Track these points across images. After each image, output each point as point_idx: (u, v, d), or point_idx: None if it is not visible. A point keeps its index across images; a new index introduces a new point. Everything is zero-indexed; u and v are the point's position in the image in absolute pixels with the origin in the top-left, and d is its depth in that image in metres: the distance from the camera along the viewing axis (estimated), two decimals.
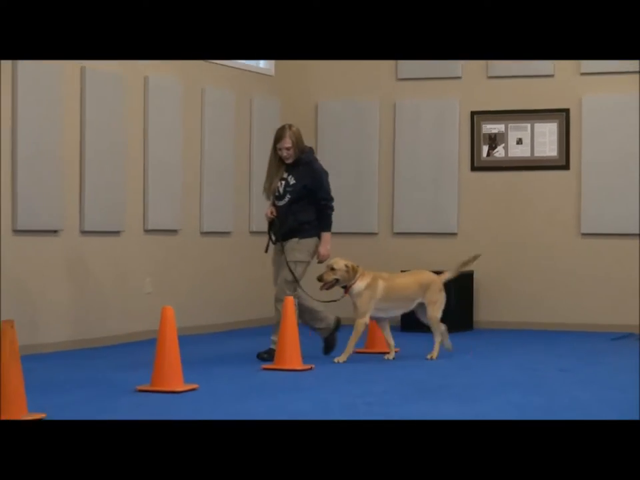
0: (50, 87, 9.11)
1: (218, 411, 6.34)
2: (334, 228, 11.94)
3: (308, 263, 8.57)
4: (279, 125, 11.87)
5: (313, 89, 12.08)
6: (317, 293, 8.65)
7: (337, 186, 11.91)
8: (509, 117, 11.52)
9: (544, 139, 11.46)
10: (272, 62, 11.99)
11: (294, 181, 8.53)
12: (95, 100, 9.51)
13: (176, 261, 10.54)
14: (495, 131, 11.59)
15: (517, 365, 8.70)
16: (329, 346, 8.71)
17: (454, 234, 11.68)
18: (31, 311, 8.88)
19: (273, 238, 8.59)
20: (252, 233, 11.56)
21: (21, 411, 5.83)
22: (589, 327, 11.16)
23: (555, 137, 11.41)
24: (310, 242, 8.56)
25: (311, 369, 8.04)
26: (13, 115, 8.79)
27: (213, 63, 11.08)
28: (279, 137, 8.51)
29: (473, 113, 11.61)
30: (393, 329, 9.84)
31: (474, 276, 11.48)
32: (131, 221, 9.97)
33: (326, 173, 8.75)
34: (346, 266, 8.39)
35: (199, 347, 9.55)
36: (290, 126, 8.58)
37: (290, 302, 8.03)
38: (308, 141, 12.00)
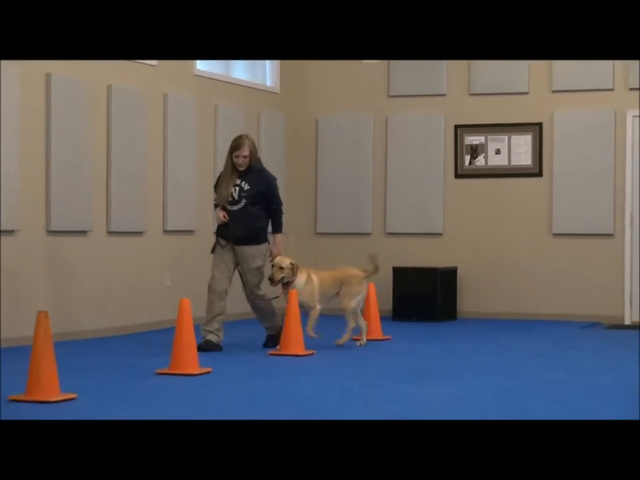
0: (79, 102, 9.09)
1: (229, 391, 6.32)
2: (333, 228, 12.01)
3: (264, 264, 8.23)
4: (284, 138, 11.96)
5: (314, 105, 12.05)
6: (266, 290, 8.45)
7: (335, 191, 11.97)
8: (488, 129, 11.47)
9: (520, 150, 11.41)
10: (277, 80, 11.97)
11: (248, 187, 8.08)
12: (119, 115, 9.49)
13: (192, 258, 10.48)
14: (476, 142, 11.54)
15: (497, 350, 8.66)
16: (272, 343, 8.32)
17: (439, 234, 11.64)
18: (61, 302, 8.84)
19: (222, 242, 8.14)
20: None
21: (53, 392, 5.83)
22: (561, 317, 11.10)
23: (529, 148, 11.37)
24: (264, 247, 8.23)
25: (312, 354, 8.00)
26: (47, 130, 8.77)
27: (225, 81, 11.06)
28: (237, 145, 8.03)
29: (456, 126, 11.57)
30: (384, 318, 9.83)
31: (457, 271, 11.44)
32: (152, 222, 9.94)
33: (275, 179, 8.41)
34: (291, 264, 8.05)
35: None
36: (247, 135, 8.16)
37: (293, 295, 7.97)
38: (310, 152, 12.05)
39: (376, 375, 7.07)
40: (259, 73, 11.87)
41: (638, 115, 10.86)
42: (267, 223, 8.29)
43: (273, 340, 8.25)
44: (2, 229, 8.33)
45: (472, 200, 11.52)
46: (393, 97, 11.74)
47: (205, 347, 7.88)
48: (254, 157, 8.11)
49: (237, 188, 8.07)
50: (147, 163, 9.87)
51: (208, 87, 10.77)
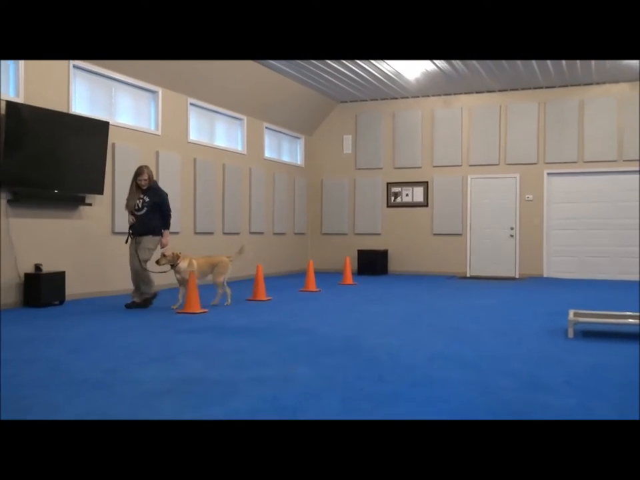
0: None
1: (280, 307, 6.15)
2: (330, 230, 11.85)
3: (154, 250, 6.05)
4: (307, 190, 11.75)
5: (320, 173, 11.89)
6: (156, 267, 6.49)
7: (331, 213, 11.81)
8: (403, 184, 11.31)
9: (418, 194, 11.25)
10: (303, 161, 11.80)
11: (148, 199, 6.00)
12: (229, 182, 9.26)
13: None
14: (397, 191, 11.38)
15: (406, 288, 8.52)
16: (142, 305, 6.07)
17: (379, 234, 11.49)
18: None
19: (132, 236, 6.06)
20: (296, 234, 11.35)
21: (197, 307, 5.74)
22: (437, 273, 10.97)
23: (422, 193, 11.21)
24: (158, 238, 6.04)
25: (319, 291, 7.82)
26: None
27: (278, 161, 10.89)
28: (140, 172, 6.01)
29: (387, 183, 11.42)
30: (354, 274, 9.61)
31: (388, 251, 11.30)
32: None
33: (167, 195, 6.15)
34: (172, 253, 5.99)
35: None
36: (146, 166, 6.08)
37: (311, 263, 7.76)
38: (318, 197, 11.89)
39: (350, 301, 6.95)
40: (295, 157, 11.66)
41: (474, 177, 10.73)
42: (160, 222, 6.08)
43: (137, 305, 6.06)
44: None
45: (395, 218, 11.36)
46: (358, 169, 11.60)
47: (130, 306, 6.04)
48: (151, 179, 6.07)
49: (141, 200, 6.03)
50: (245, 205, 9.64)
51: (270, 164, 10.57)
